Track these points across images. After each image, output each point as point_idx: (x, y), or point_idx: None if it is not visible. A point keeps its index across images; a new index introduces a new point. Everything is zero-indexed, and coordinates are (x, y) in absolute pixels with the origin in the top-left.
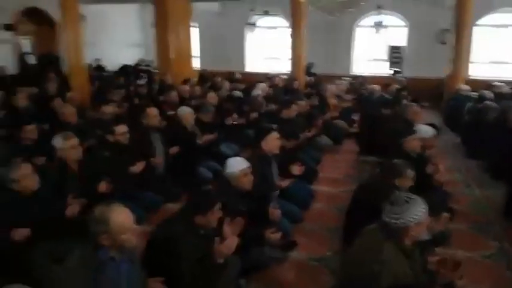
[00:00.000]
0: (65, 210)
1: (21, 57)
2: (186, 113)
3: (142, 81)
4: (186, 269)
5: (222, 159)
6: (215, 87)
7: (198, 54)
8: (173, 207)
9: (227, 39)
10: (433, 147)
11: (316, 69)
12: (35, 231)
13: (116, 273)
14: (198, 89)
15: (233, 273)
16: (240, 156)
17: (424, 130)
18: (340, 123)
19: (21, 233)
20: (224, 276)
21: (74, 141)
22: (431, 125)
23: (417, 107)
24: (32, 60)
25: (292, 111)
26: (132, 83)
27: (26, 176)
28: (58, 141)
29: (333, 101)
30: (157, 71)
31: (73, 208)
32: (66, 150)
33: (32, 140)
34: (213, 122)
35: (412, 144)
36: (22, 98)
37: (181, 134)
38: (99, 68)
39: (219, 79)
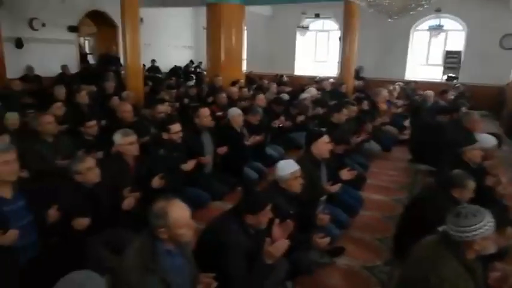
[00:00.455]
0: (121, 203)
1: (82, 57)
2: (235, 114)
3: (192, 83)
4: (235, 267)
5: (268, 161)
6: (262, 90)
7: (245, 57)
8: (219, 205)
9: (276, 41)
10: (493, 158)
11: (367, 74)
12: (93, 222)
13: (171, 266)
14: (246, 91)
15: (280, 274)
16: (287, 159)
17: (486, 140)
18: (391, 129)
19: (81, 223)
20: (271, 277)
21: (133, 137)
22: (493, 134)
23: (477, 116)
24: (91, 60)
25: (342, 115)
26: (182, 84)
27: (89, 169)
28: (118, 137)
29: (383, 106)
30: (205, 72)
31: (129, 201)
32: (124, 145)
33: (93, 135)
34: (261, 124)
35: (472, 154)
36: (84, 96)
37: (230, 134)
38: (154, 69)
39: (266, 82)
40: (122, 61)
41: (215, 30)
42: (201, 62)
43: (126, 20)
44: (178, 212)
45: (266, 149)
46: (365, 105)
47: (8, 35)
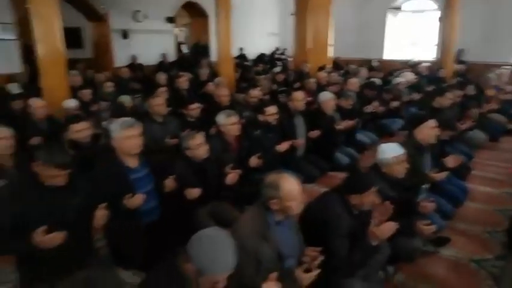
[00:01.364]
0: (223, 178)
1: (178, 46)
2: (327, 98)
3: (278, 69)
4: (338, 246)
5: (359, 146)
6: (350, 75)
7: (332, 42)
8: (310, 188)
9: (366, 25)
10: None
11: (468, 57)
12: (201, 194)
13: (281, 236)
14: (335, 76)
15: (382, 257)
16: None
17: None
18: (499, 117)
19: (193, 193)
20: (374, 259)
21: (235, 119)
22: None
23: None
24: (185, 49)
25: (445, 99)
26: (269, 70)
27: (199, 145)
28: (221, 118)
29: (491, 92)
30: (291, 59)
31: (233, 177)
32: (227, 126)
33: (195, 117)
34: (353, 108)
35: None
36: (184, 81)
37: (321, 118)
38: (242, 57)
39: (354, 66)
40: (211, 50)
41: (302, 15)
42: (285, 49)
43: (219, 10)
44: (290, 185)
45: (357, 135)
46: (470, 90)
47: (116, 27)
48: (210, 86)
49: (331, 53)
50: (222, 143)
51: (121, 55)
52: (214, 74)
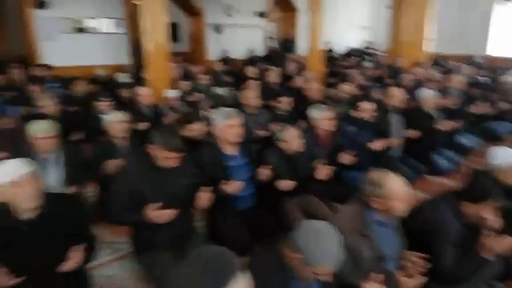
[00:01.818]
0: (314, 173)
1: (266, 40)
2: (428, 96)
3: (368, 64)
4: (443, 254)
5: (460, 150)
6: (449, 72)
7: (432, 36)
8: None
9: (467, 17)
10: None
11: None
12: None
13: (381, 236)
14: (434, 73)
15: (492, 272)
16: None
17: None
18: None
19: (286, 185)
20: (482, 272)
21: (328, 113)
22: None
23: None
24: (273, 43)
25: None
26: (358, 65)
27: (293, 138)
28: (314, 112)
29: None
30: (382, 54)
31: (324, 172)
32: (320, 120)
33: (285, 110)
34: (457, 108)
35: None
36: (273, 75)
37: (420, 117)
38: (329, 51)
39: (454, 62)
40: (299, 44)
41: (399, 7)
42: (377, 43)
43: (310, 4)
44: (396, 184)
45: (459, 137)
46: None
47: (210, 22)
48: (299, 80)
49: (428, 47)
50: (314, 137)
51: (214, 49)
52: (301, 69)
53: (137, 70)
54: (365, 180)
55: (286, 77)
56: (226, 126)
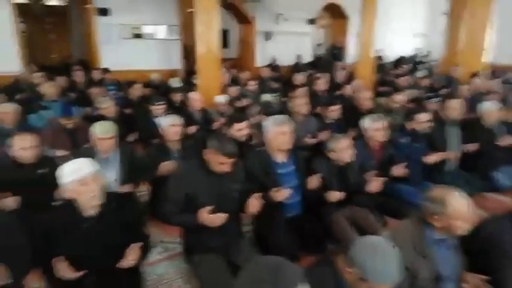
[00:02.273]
0: (364, 185)
1: (314, 47)
2: (490, 108)
3: (421, 73)
4: (509, 277)
5: None
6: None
7: (491, 45)
8: None
9: None
10: None
11: None
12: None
13: (439, 256)
14: (493, 84)
15: None
16: None
17: None
18: None
19: (335, 196)
20: None
21: (381, 124)
22: None
23: None
24: (321, 50)
25: None
26: (410, 74)
27: (344, 149)
28: (366, 122)
29: None
30: (436, 62)
31: (376, 184)
32: (372, 131)
33: (333, 119)
34: None
35: None
36: (322, 83)
37: (480, 131)
38: (378, 58)
39: None
40: (348, 52)
41: (457, 14)
42: (430, 51)
43: (364, 11)
44: (459, 202)
45: None
46: None
47: (260, 29)
48: (348, 89)
49: (486, 57)
50: (365, 148)
51: (262, 55)
52: (350, 76)
53: (188, 75)
54: (426, 197)
55: (335, 85)
56: (278, 133)
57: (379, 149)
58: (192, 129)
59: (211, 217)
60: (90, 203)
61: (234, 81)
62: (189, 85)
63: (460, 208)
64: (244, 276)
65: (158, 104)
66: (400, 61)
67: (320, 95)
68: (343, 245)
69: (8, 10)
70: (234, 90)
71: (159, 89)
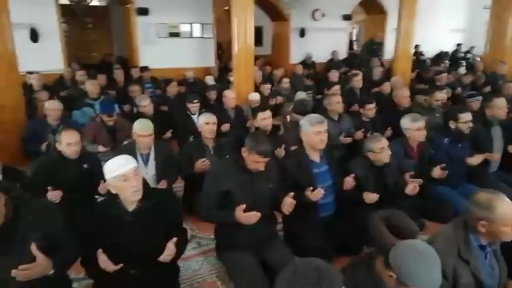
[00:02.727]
0: (402, 186)
1: (350, 44)
2: None
3: (462, 70)
4: None
5: None
6: None
7: None
8: None
9: None
10: None
11: None
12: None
13: (483, 263)
14: None
15: None
16: None
17: None
18: None
19: (371, 197)
20: None
21: (421, 123)
22: None
23: None
24: (356, 46)
25: None
26: (450, 70)
27: (382, 149)
28: (406, 122)
29: None
30: (478, 58)
31: (413, 188)
32: (412, 130)
33: (369, 117)
34: None
35: None
36: (359, 80)
37: None
38: (418, 54)
39: None
40: (386, 48)
41: (500, 7)
42: (472, 47)
43: (403, 6)
44: (508, 208)
45: None
46: None
47: (295, 26)
48: (386, 86)
49: None
50: (404, 148)
51: (296, 52)
52: (387, 73)
53: (221, 73)
54: (472, 201)
55: (372, 82)
56: (314, 133)
57: (418, 149)
58: (226, 126)
59: (246, 215)
60: (132, 198)
61: (268, 79)
62: (223, 83)
63: (509, 214)
64: (285, 278)
65: (195, 102)
66: (439, 57)
67: (356, 92)
68: (379, 248)
69: (54, 11)
70: (267, 87)
71: (194, 87)
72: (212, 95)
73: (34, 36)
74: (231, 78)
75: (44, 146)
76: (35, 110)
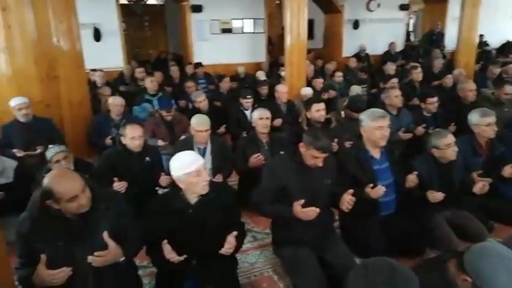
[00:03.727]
0: (469, 185)
1: (407, 34)
2: None
3: None
4: None
5: None
6: None
7: None
8: None
9: None
10: None
11: None
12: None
13: None
14: None
15: None
16: None
17: None
18: None
19: (436, 197)
20: None
21: (491, 119)
22: None
23: None
24: (413, 37)
25: None
26: None
27: (448, 146)
28: (475, 117)
29: None
30: None
31: (481, 187)
32: (481, 126)
33: (431, 112)
34: None
35: None
36: (418, 73)
37: None
38: (482, 44)
39: None
40: (447, 38)
41: None
42: None
43: None
44: None
45: None
46: None
47: (348, 18)
48: (448, 79)
49: None
50: (470, 144)
51: (349, 45)
52: (448, 65)
53: (271, 67)
54: None
55: (432, 75)
56: (375, 128)
57: (487, 146)
58: (278, 121)
59: (304, 210)
60: (202, 191)
61: (320, 73)
62: (273, 77)
63: None
64: (357, 278)
65: (247, 98)
66: (506, 47)
67: (415, 86)
68: (446, 250)
69: (115, 11)
70: (319, 82)
71: (245, 82)
72: (264, 90)
73: (97, 35)
74: (282, 73)
75: (108, 140)
76: (99, 105)
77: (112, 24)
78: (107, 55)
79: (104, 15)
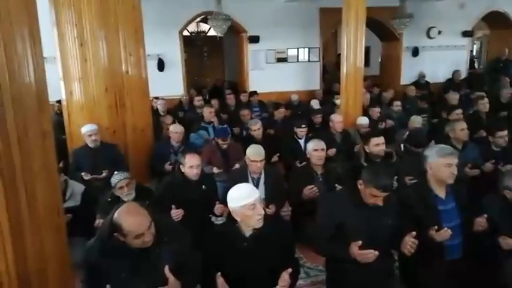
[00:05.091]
0: None
1: (470, 62)
2: None
3: None
4: None
5: None
6: None
7: None
8: None
9: None
10: None
11: None
12: None
13: None
14: None
15: None
16: None
17: None
18: None
19: (510, 243)
20: None
21: None
22: None
23: None
24: (478, 64)
25: None
26: None
27: None
28: None
29: None
30: None
31: None
32: None
33: (501, 147)
34: None
35: None
36: (485, 103)
37: None
38: None
39: None
40: None
41: None
42: None
43: None
44: None
45: None
46: None
47: (407, 45)
48: None
49: None
50: None
51: (408, 73)
52: None
53: (325, 95)
54: None
55: (500, 105)
56: (443, 165)
57: None
58: (332, 151)
59: (362, 252)
60: (257, 225)
61: (377, 101)
62: (327, 105)
63: None
64: None
65: (302, 127)
66: None
67: (482, 117)
68: None
69: (178, 42)
70: (376, 111)
71: (298, 109)
72: (318, 118)
73: (161, 65)
74: (337, 101)
75: (167, 166)
76: (161, 132)
77: (175, 55)
78: (169, 83)
79: (167, 46)
